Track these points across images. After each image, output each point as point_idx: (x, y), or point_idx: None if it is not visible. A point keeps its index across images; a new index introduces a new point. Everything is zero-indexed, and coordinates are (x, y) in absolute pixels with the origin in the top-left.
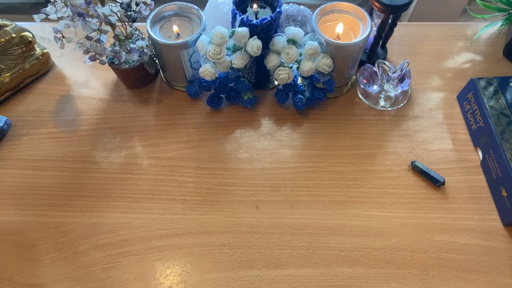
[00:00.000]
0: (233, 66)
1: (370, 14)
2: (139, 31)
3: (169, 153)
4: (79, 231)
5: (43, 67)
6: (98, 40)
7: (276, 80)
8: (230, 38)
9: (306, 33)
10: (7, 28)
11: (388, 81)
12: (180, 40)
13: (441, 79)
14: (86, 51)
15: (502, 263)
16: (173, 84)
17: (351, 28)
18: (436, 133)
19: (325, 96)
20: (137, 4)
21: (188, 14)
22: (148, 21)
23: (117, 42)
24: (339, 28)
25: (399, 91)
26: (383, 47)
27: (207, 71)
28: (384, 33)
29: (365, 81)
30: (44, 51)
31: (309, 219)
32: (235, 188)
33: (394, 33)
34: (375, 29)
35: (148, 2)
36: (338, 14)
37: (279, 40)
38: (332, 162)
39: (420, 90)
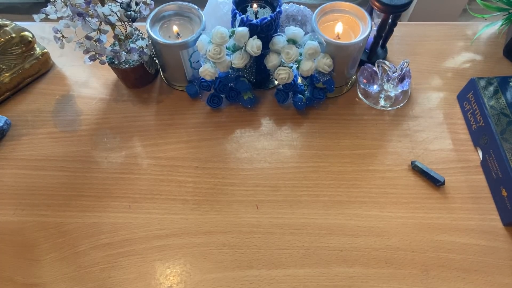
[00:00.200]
0: (233, 66)
1: (370, 14)
2: (139, 31)
3: (169, 153)
4: (79, 231)
5: (43, 67)
6: (98, 40)
7: (276, 80)
8: (230, 38)
9: (306, 33)
10: (7, 28)
11: (388, 81)
12: (180, 40)
13: (441, 79)
14: (86, 51)
15: (502, 263)
16: (173, 84)
17: (351, 28)
18: (436, 133)
19: (325, 96)
20: (137, 4)
21: (188, 14)
22: (148, 21)
23: (117, 42)
24: (339, 28)
25: (399, 91)
26: (383, 47)
27: (207, 71)
28: (384, 33)
29: (365, 81)
30: (44, 51)
31: (309, 219)
32: (235, 188)
33: (394, 33)
34: (375, 29)
35: (148, 2)
36: (338, 14)
37: (279, 40)
38: (332, 162)
39: (420, 90)
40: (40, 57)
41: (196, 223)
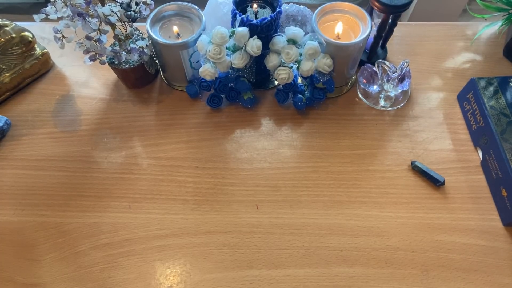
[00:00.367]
0: (233, 66)
1: (370, 14)
2: (139, 31)
3: (169, 153)
4: (79, 231)
5: (43, 67)
6: (98, 40)
7: (276, 80)
8: (230, 38)
9: (306, 33)
10: (7, 28)
11: (388, 81)
12: (180, 40)
13: (441, 79)
14: (86, 51)
15: (502, 263)
16: (173, 84)
17: (351, 28)
18: (436, 133)
19: (325, 96)
20: (137, 4)
21: (188, 14)
22: (148, 21)
23: (117, 42)
24: (339, 28)
25: (399, 91)
26: (383, 47)
27: (207, 71)
28: (384, 33)
29: (365, 81)
30: (44, 51)
31: (309, 219)
32: (235, 188)
33: (394, 33)
34: (375, 29)
35: (148, 2)
36: (338, 14)
37: (279, 40)
38: (332, 162)
39: (420, 90)
40: (40, 57)
41: (196, 223)
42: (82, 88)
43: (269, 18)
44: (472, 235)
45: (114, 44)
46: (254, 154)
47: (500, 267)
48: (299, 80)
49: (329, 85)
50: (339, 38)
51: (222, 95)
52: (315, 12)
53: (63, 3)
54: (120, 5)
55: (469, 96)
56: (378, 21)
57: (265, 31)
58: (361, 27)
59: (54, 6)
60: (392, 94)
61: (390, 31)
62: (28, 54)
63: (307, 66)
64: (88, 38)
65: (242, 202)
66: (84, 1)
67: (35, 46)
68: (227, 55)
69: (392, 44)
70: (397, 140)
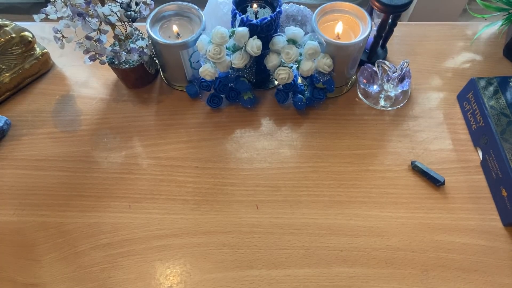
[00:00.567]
0: (233, 66)
1: (370, 14)
2: (139, 31)
3: (169, 153)
4: (79, 231)
5: (43, 67)
6: (98, 40)
7: (276, 80)
8: (230, 38)
9: (306, 33)
10: (7, 28)
11: (388, 81)
12: (180, 40)
13: (441, 79)
14: (86, 51)
15: (502, 263)
16: (173, 84)
17: (351, 28)
18: (436, 133)
19: (325, 96)
20: (137, 4)
21: (188, 14)
22: (148, 21)
23: (117, 42)
24: (339, 28)
25: (399, 91)
26: (383, 47)
27: (207, 71)
28: (384, 33)
29: (365, 81)
30: (44, 51)
31: (309, 219)
32: (235, 188)
33: (394, 33)
34: (375, 29)
35: (148, 2)
36: (338, 14)
37: (279, 40)
38: (332, 162)
39: (420, 90)
40: (40, 57)
41: (196, 223)
42: (82, 88)
43: (269, 18)
44: (472, 235)
45: (114, 44)
46: (254, 154)
47: (500, 267)
48: (299, 80)
49: (329, 85)
50: (339, 38)
51: (222, 95)
52: (315, 12)
53: (63, 3)
54: (120, 5)
55: (469, 96)
56: (378, 21)
57: (265, 31)
58: (361, 27)
59: (54, 6)
60: (392, 94)
61: (390, 31)
62: (28, 54)
63: (307, 66)
64: (88, 38)
65: (242, 202)
66: (84, 1)
67: (35, 46)
68: (227, 55)
69: (392, 44)
70: (397, 140)
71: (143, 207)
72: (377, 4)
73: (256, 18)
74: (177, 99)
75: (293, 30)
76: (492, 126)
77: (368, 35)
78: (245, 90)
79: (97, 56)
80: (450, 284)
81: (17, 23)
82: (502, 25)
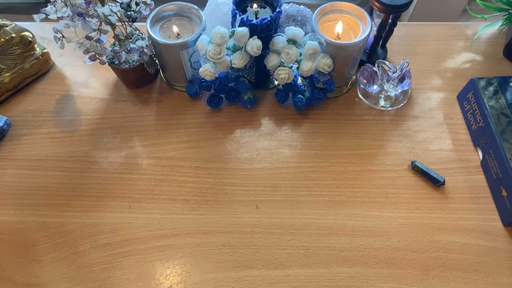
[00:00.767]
0: (233, 66)
1: (370, 14)
2: (139, 31)
3: (169, 153)
4: (79, 231)
5: (43, 67)
6: (98, 40)
7: (276, 80)
8: (230, 38)
9: (306, 33)
10: (7, 28)
11: (388, 81)
12: (180, 40)
13: (441, 79)
14: (86, 51)
15: (502, 263)
16: (173, 84)
17: (351, 28)
18: (436, 133)
19: (325, 96)
20: (137, 4)
21: (188, 14)
22: (148, 21)
23: (117, 42)
24: (339, 28)
25: (399, 91)
26: (383, 47)
27: (207, 71)
28: (384, 33)
29: (365, 81)
30: (44, 51)
31: (309, 219)
32: (235, 188)
33: (394, 33)
34: (375, 29)
35: (148, 2)
36: (338, 14)
37: (279, 40)
38: (332, 162)
39: (420, 90)
40: (40, 57)
41: (196, 223)
42: (82, 88)
43: (269, 18)
44: (472, 235)
45: (114, 44)
46: (254, 154)
47: (500, 267)
48: (299, 80)
49: (329, 85)
50: (339, 38)
51: (222, 95)
52: (315, 12)
53: (63, 3)
54: (120, 5)
55: (469, 96)
56: (378, 21)
57: (265, 31)
58: (361, 27)
59: (54, 6)
60: (392, 94)
61: (390, 31)
62: (28, 54)
63: (307, 66)
64: (88, 38)
65: (242, 202)
66: (84, 1)
67: (35, 46)
68: (227, 55)
69: (392, 44)
70: (397, 140)
71: (143, 207)
72: (377, 4)
73: (256, 18)
74: (177, 99)
75: (293, 30)
76: (492, 126)
77: (368, 35)
78: (245, 90)
79: (97, 56)
80: (450, 284)
81: (17, 23)
82: (502, 25)
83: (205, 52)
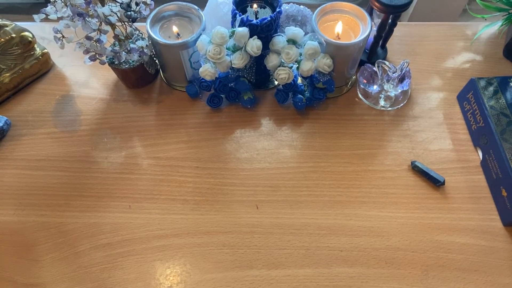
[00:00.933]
0: (233, 66)
1: (370, 14)
2: (139, 31)
3: (169, 153)
4: (79, 231)
5: (43, 67)
6: (98, 40)
7: (276, 80)
8: (230, 38)
9: (306, 33)
10: (7, 28)
11: (388, 81)
12: (180, 40)
13: (441, 79)
14: (86, 51)
15: (502, 263)
16: (173, 84)
17: (351, 28)
18: (436, 133)
19: (325, 96)
20: (137, 4)
21: (188, 14)
22: (148, 21)
23: (117, 42)
24: (339, 28)
25: (399, 91)
26: (383, 47)
27: (207, 71)
28: (384, 33)
29: (365, 81)
30: (44, 51)
31: (309, 219)
32: (235, 188)
33: (394, 33)
34: (375, 29)
35: (148, 2)
36: (338, 14)
37: (279, 40)
38: (332, 162)
39: (420, 90)
40: (40, 57)
41: (196, 223)
42: (82, 88)
43: (269, 18)
44: (472, 235)
45: (114, 44)
46: (254, 154)
47: (500, 267)
48: (299, 80)
49: (329, 85)
50: (339, 38)
51: (222, 95)
52: (315, 12)
53: (63, 3)
54: (120, 5)
55: (469, 96)
56: (378, 21)
57: (265, 31)
58: (361, 27)
59: (54, 6)
60: (392, 94)
61: (390, 31)
62: (28, 54)
63: (307, 66)
64: (88, 38)
65: (242, 202)
66: (84, 1)
67: (35, 46)
68: (227, 55)
69: (392, 44)
70: (397, 140)
71: (143, 207)
72: (377, 4)
73: (256, 18)
74: (177, 99)
75: (293, 30)
76: (492, 126)
77: (368, 35)
78: (245, 90)
79: (97, 56)
80: (450, 284)
81: (17, 23)
82: (502, 25)
83: (205, 52)
